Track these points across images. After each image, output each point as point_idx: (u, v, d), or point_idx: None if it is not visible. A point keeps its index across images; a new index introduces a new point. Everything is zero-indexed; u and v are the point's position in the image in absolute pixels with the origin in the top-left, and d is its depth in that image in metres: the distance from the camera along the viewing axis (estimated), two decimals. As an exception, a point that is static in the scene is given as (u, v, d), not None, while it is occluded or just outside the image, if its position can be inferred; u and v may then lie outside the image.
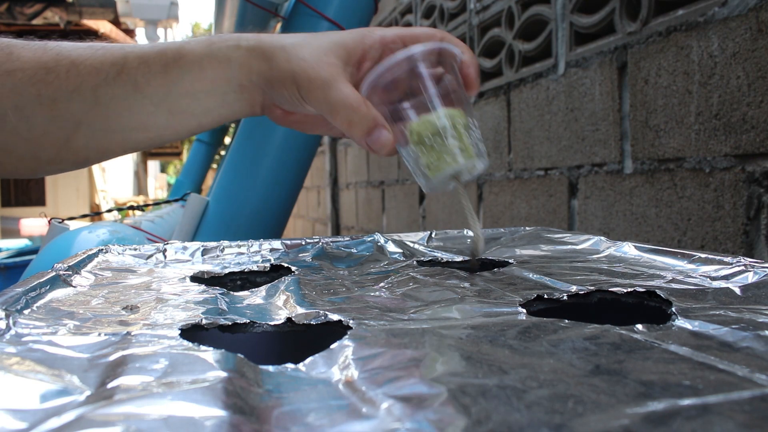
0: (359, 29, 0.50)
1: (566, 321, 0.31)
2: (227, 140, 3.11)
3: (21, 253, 1.98)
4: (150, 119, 0.50)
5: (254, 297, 0.41)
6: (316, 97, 0.47)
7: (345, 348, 0.27)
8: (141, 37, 8.14)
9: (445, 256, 0.56)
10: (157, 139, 0.53)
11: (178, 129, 0.52)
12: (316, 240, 0.64)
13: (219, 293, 0.41)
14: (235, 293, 0.43)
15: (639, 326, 0.29)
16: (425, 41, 0.48)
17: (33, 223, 5.57)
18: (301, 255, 0.59)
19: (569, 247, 0.60)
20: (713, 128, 0.82)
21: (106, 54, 0.48)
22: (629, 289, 0.38)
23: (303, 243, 0.63)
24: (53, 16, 5.77)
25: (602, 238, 0.59)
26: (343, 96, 0.46)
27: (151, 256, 0.59)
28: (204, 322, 0.33)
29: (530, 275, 0.45)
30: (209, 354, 0.26)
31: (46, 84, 0.47)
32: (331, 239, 0.64)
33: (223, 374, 0.23)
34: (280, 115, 0.52)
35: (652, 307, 0.37)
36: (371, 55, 0.48)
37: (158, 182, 16.83)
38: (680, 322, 0.30)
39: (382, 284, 0.44)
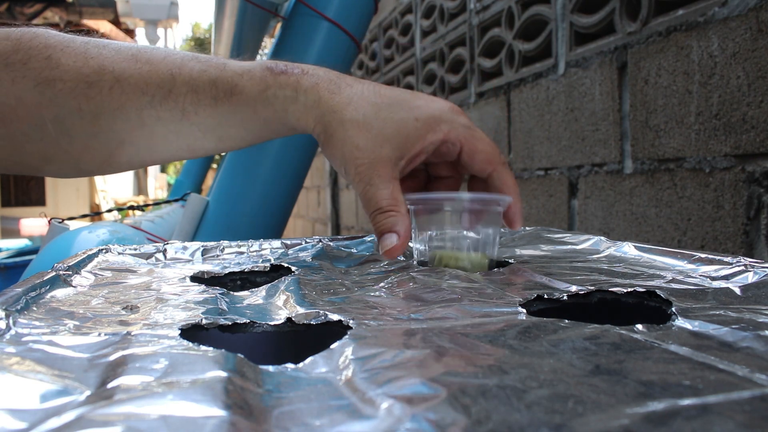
0: (430, 115, 0.47)
1: (566, 321, 0.31)
2: None
3: (21, 253, 1.98)
4: (197, 143, 0.49)
5: (254, 297, 0.41)
6: (356, 185, 0.47)
7: (345, 348, 0.27)
8: (141, 37, 8.14)
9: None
10: (203, 155, 0.52)
11: (225, 149, 0.51)
12: (316, 240, 0.64)
13: (219, 293, 0.41)
14: (235, 293, 0.43)
15: (639, 326, 0.29)
16: (484, 162, 0.48)
17: (33, 223, 5.58)
18: (301, 255, 0.59)
19: (569, 247, 0.60)
20: (713, 128, 0.82)
21: (151, 73, 0.46)
22: (629, 289, 0.38)
23: (303, 243, 0.63)
24: (53, 16, 5.78)
25: (602, 238, 0.59)
26: (377, 195, 0.46)
27: (151, 256, 0.59)
28: (204, 322, 0.33)
29: (530, 275, 0.45)
30: (209, 354, 0.26)
31: (88, 99, 0.45)
32: (331, 239, 0.64)
33: (223, 374, 0.23)
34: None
35: (652, 307, 0.37)
36: (428, 150, 0.48)
37: (158, 182, 16.83)
38: (680, 322, 0.30)
39: (382, 284, 0.44)
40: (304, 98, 0.46)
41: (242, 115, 0.47)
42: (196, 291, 0.42)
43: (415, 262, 0.51)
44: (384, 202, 0.46)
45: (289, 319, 0.34)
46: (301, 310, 0.36)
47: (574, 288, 0.39)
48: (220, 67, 0.47)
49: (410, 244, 0.51)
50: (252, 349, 0.35)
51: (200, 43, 15.55)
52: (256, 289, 0.44)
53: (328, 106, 0.46)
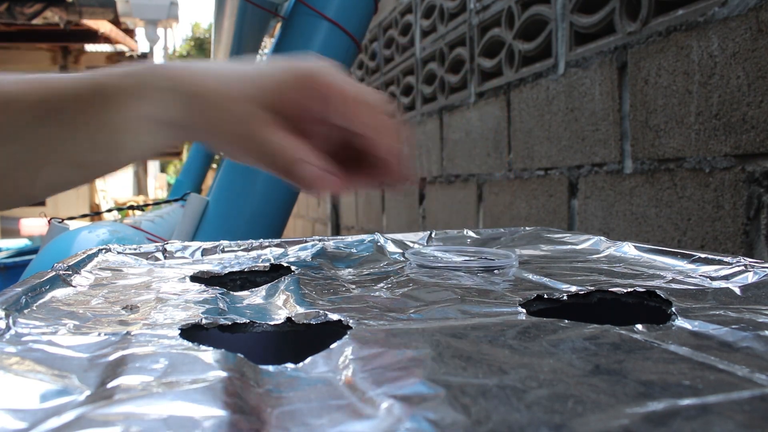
0: (296, 68, 0.45)
1: (566, 321, 0.31)
2: None
3: (21, 253, 1.98)
4: (85, 156, 0.47)
5: (254, 297, 0.41)
6: (248, 150, 0.44)
7: (345, 348, 0.27)
8: (141, 37, 8.15)
9: (444, 256, 0.56)
10: (92, 176, 0.49)
11: (122, 160, 0.48)
12: (316, 240, 0.64)
13: (219, 293, 0.41)
14: (235, 293, 0.43)
15: (639, 326, 0.29)
16: (354, 103, 0.44)
17: (33, 223, 5.57)
18: (301, 255, 0.59)
19: (569, 247, 0.60)
20: (713, 128, 0.82)
21: (30, 89, 0.44)
22: (629, 289, 0.38)
23: (303, 243, 0.63)
24: (53, 16, 5.77)
25: (602, 238, 0.59)
26: (276, 148, 0.43)
27: (151, 255, 0.59)
28: (204, 321, 0.33)
29: (530, 275, 0.45)
30: (209, 354, 0.26)
31: None
32: (331, 239, 0.64)
33: (223, 374, 0.23)
34: None
35: (652, 307, 0.37)
36: (293, 100, 0.45)
37: (158, 182, 16.83)
38: (680, 322, 0.30)
39: (382, 284, 0.44)
40: (171, 84, 0.44)
41: (113, 113, 0.45)
42: (196, 291, 0.42)
43: None
44: (288, 152, 0.43)
45: (288, 319, 0.34)
46: (300, 310, 0.36)
47: (574, 288, 0.39)
48: (90, 75, 0.46)
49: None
50: (252, 349, 0.35)
51: (200, 43, 15.55)
52: (256, 288, 0.44)
53: (180, 82, 0.44)
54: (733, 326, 0.29)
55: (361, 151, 0.45)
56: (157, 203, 1.65)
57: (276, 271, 0.53)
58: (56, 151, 0.46)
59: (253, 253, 0.60)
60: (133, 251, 0.59)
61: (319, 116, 0.45)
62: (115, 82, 0.45)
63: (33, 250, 1.91)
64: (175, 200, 1.45)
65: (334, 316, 0.34)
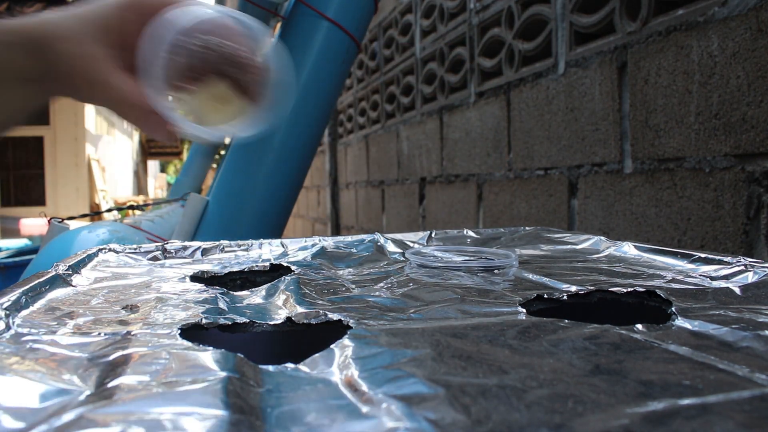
0: (114, 3, 0.45)
1: (566, 321, 0.31)
2: (227, 140, 3.10)
3: (21, 252, 1.98)
4: None
5: (254, 297, 0.41)
6: (88, 95, 0.45)
7: (345, 348, 0.27)
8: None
9: (444, 256, 0.56)
10: None
11: None
12: (316, 240, 0.64)
13: (219, 293, 0.41)
14: (235, 293, 0.43)
15: (639, 326, 0.29)
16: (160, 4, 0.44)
17: (33, 223, 5.57)
18: (301, 255, 0.59)
19: (569, 247, 0.60)
20: (713, 128, 0.82)
21: None
22: (629, 289, 0.38)
23: (303, 243, 0.63)
24: (53, 15, 5.76)
25: (602, 238, 0.59)
26: (115, 91, 0.44)
27: (150, 255, 0.59)
28: (204, 321, 0.33)
29: (530, 275, 0.45)
30: (209, 354, 0.26)
31: None
32: (331, 239, 0.64)
33: (223, 374, 0.23)
34: None
35: (652, 307, 0.37)
36: (131, 29, 0.45)
37: (158, 182, 16.83)
38: (680, 322, 0.30)
39: (382, 284, 0.44)
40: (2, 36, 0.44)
41: None
42: (196, 291, 0.42)
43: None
44: (126, 94, 0.44)
45: (289, 319, 0.34)
46: (301, 310, 0.36)
47: (574, 288, 0.39)
48: None
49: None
50: (252, 348, 0.35)
51: (200, 43, 15.50)
52: (256, 288, 0.44)
53: (27, 31, 0.44)
54: (733, 326, 0.29)
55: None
56: (157, 203, 1.65)
57: (276, 271, 0.53)
58: None
59: (253, 253, 0.60)
60: (133, 251, 0.59)
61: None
62: None
63: (33, 250, 1.91)
64: (175, 200, 1.45)
65: (334, 316, 0.34)
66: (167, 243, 0.61)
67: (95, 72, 0.44)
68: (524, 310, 0.34)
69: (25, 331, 0.31)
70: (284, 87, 0.44)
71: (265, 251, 0.61)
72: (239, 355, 0.26)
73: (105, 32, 0.45)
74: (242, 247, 0.62)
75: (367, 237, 0.64)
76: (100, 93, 0.44)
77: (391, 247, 0.61)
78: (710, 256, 0.45)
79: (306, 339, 0.35)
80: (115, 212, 1.74)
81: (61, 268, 0.46)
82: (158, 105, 0.42)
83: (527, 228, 0.70)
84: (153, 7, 0.45)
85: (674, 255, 0.49)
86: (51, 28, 0.44)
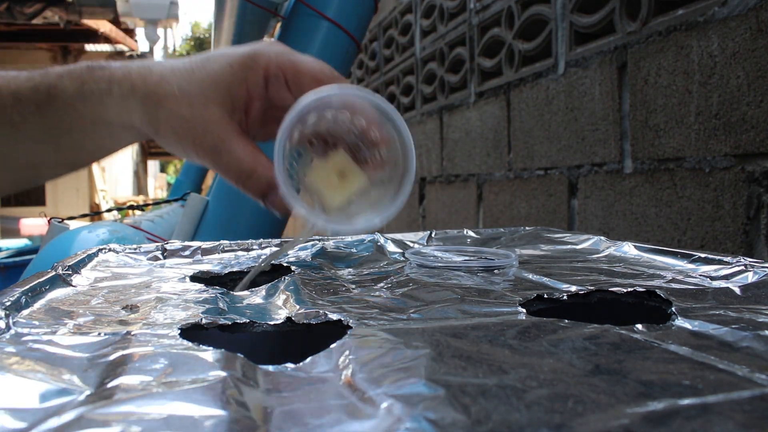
0: (243, 55, 0.44)
1: (566, 321, 0.31)
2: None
3: (21, 252, 1.98)
4: (36, 157, 0.47)
5: (254, 297, 0.41)
6: (206, 161, 0.44)
7: (345, 348, 0.27)
8: (141, 37, 8.14)
9: (444, 256, 0.56)
10: (52, 174, 0.49)
11: (72, 163, 0.48)
12: (316, 240, 0.64)
13: (219, 293, 0.41)
14: (235, 293, 0.43)
15: (639, 326, 0.29)
16: (314, 82, 0.43)
17: (33, 223, 5.57)
18: (301, 255, 0.59)
19: (569, 247, 0.60)
20: (713, 128, 0.82)
21: None
22: (629, 289, 0.38)
23: (303, 243, 0.63)
24: (53, 15, 5.77)
25: (602, 237, 0.59)
26: (234, 160, 0.42)
27: (150, 255, 0.59)
28: (204, 321, 0.33)
29: (530, 275, 0.45)
30: (209, 354, 0.26)
31: None
32: (331, 239, 0.64)
33: (223, 374, 0.23)
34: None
35: (652, 307, 0.37)
36: (257, 92, 0.44)
37: (158, 182, 16.83)
38: (680, 322, 0.30)
39: (382, 284, 0.44)
40: (118, 88, 0.43)
41: (67, 117, 0.44)
42: (196, 291, 0.42)
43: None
44: (246, 165, 0.42)
45: (289, 319, 0.34)
46: (301, 310, 0.36)
47: (574, 288, 0.39)
48: (43, 73, 0.45)
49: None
50: (252, 349, 0.35)
51: (200, 43, 15.55)
52: (256, 288, 0.44)
53: (143, 92, 0.43)
54: (733, 326, 0.29)
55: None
56: (157, 203, 1.65)
57: (276, 271, 0.53)
58: (10, 153, 0.46)
59: (253, 253, 0.60)
60: (133, 251, 0.59)
61: (272, 97, 0.45)
62: (69, 88, 0.44)
63: (33, 250, 1.91)
64: (175, 200, 1.45)
65: (334, 316, 0.34)
66: (167, 243, 0.61)
67: (214, 137, 0.42)
68: (524, 310, 0.34)
69: (25, 331, 0.31)
70: (411, 172, 0.42)
71: (265, 251, 0.61)
72: (239, 355, 0.26)
73: (220, 93, 0.43)
74: (242, 247, 0.62)
75: (367, 237, 0.64)
76: (220, 158, 0.43)
77: (391, 247, 0.62)
78: (710, 256, 0.46)
79: (306, 339, 0.35)
80: (115, 212, 1.74)
81: (61, 268, 0.46)
82: (282, 184, 0.40)
83: (527, 228, 0.70)
84: (266, 67, 0.44)
85: (674, 255, 0.49)
86: (168, 90, 0.43)
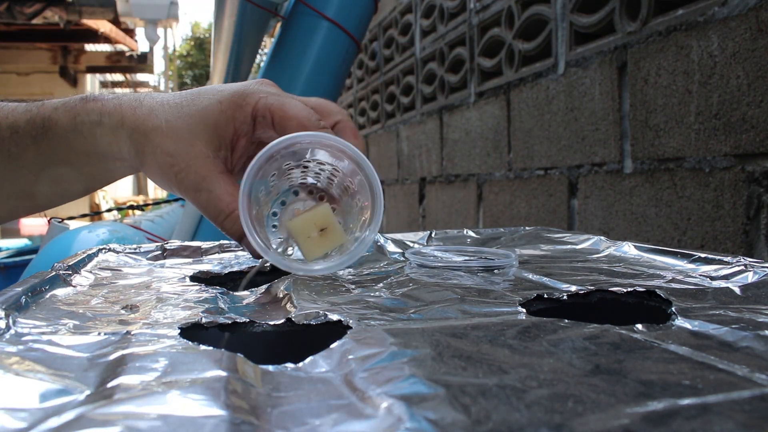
0: (233, 93, 0.44)
1: (566, 321, 0.31)
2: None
3: (21, 252, 1.98)
4: (33, 187, 0.47)
5: (254, 296, 0.41)
6: (187, 197, 0.44)
7: (345, 348, 0.27)
8: (141, 37, 8.15)
9: (444, 256, 0.56)
10: (48, 203, 0.50)
11: (68, 193, 0.49)
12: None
13: (219, 293, 0.41)
14: (235, 293, 0.43)
15: (639, 326, 0.29)
16: (298, 127, 0.43)
17: (33, 223, 5.57)
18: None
19: (569, 246, 0.60)
20: (713, 128, 0.82)
21: None
22: (629, 289, 0.38)
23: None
24: (53, 15, 5.77)
25: (602, 237, 0.59)
26: (213, 199, 0.43)
27: (150, 255, 0.59)
28: (204, 321, 0.33)
29: (530, 275, 0.45)
30: (209, 353, 0.26)
31: None
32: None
33: (223, 374, 0.23)
34: None
35: (652, 307, 0.37)
36: (244, 131, 0.45)
37: (158, 182, 16.77)
38: (680, 322, 0.30)
39: (382, 284, 0.44)
40: (108, 120, 0.44)
41: (61, 149, 0.45)
42: (196, 290, 0.42)
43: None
44: (224, 205, 0.42)
45: (288, 319, 0.34)
46: (301, 310, 0.36)
47: (574, 288, 0.39)
48: (39, 105, 0.46)
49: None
50: (252, 348, 0.35)
51: (200, 43, 15.55)
52: (256, 288, 0.44)
53: (132, 124, 0.44)
54: (733, 326, 0.29)
55: None
56: (157, 203, 1.65)
57: (276, 271, 0.53)
58: (6, 183, 0.47)
59: (253, 253, 0.60)
60: (133, 251, 0.59)
61: (259, 137, 0.46)
62: (63, 120, 0.45)
63: (33, 250, 1.91)
64: (175, 200, 1.45)
65: (334, 316, 0.34)
66: (167, 243, 0.61)
67: (196, 174, 0.43)
68: (524, 310, 0.34)
69: (25, 331, 0.31)
70: (378, 220, 0.42)
71: (265, 251, 0.61)
72: (239, 355, 0.25)
73: (207, 130, 0.43)
74: (242, 247, 0.61)
75: (367, 237, 0.64)
76: (200, 196, 0.43)
77: (391, 247, 0.62)
78: (710, 256, 0.46)
79: (306, 339, 0.35)
80: (115, 212, 1.74)
81: (61, 268, 0.46)
82: (243, 223, 0.40)
83: (527, 228, 0.70)
84: (255, 106, 0.44)
85: (674, 255, 0.49)
86: (156, 123, 0.43)
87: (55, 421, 0.19)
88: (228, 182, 0.43)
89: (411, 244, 0.63)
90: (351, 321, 0.32)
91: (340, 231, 0.43)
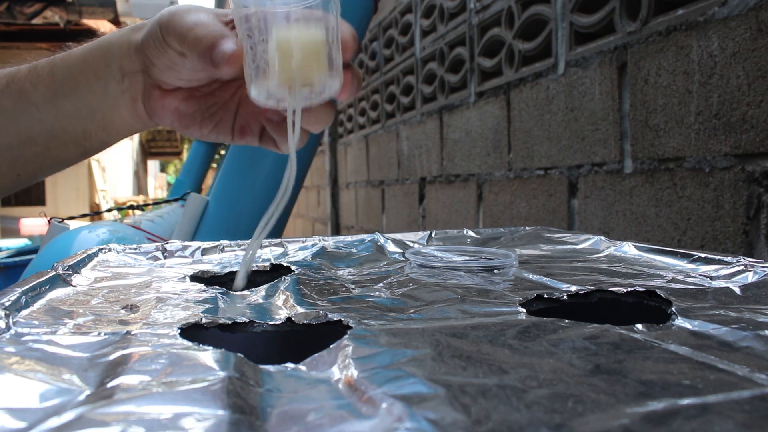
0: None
1: (566, 321, 0.31)
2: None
3: (21, 252, 1.98)
4: (35, 127, 0.50)
5: (254, 296, 0.41)
6: (174, 28, 0.45)
7: (345, 348, 0.27)
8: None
9: (444, 256, 0.56)
10: (44, 152, 0.52)
11: (64, 138, 0.51)
12: (316, 240, 0.64)
13: (219, 292, 0.41)
14: (235, 293, 0.43)
15: (639, 326, 0.29)
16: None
17: (33, 223, 5.57)
18: (301, 255, 0.59)
19: (569, 246, 0.60)
20: (713, 128, 0.82)
21: (3, 71, 0.50)
22: (629, 289, 0.38)
23: (303, 243, 0.63)
24: (53, 15, 5.77)
25: (602, 237, 0.59)
26: (195, 17, 0.45)
27: (150, 255, 0.59)
28: (204, 321, 0.33)
29: (530, 275, 0.45)
30: (209, 353, 0.26)
31: None
32: (331, 239, 0.64)
33: (223, 374, 0.23)
34: (159, 96, 0.50)
35: (652, 307, 0.37)
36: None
37: (158, 182, 16.83)
38: (680, 322, 0.30)
39: (381, 284, 0.44)
40: (127, 27, 0.49)
41: (75, 69, 0.49)
42: (196, 290, 0.42)
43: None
44: (203, 18, 0.45)
45: (289, 319, 0.34)
46: (301, 310, 0.36)
47: (574, 288, 0.39)
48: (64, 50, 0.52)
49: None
50: (252, 348, 0.35)
51: (200, 43, 15.49)
52: (256, 288, 0.44)
53: (151, 21, 0.47)
54: (733, 326, 0.29)
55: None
56: (157, 203, 1.65)
57: (276, 271, 0.53)
58: (13, 127, 0.50)
59: (253, 253, 0.60)
60: (133, 251, 0.59)
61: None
62: (86, 45, 0.50)
63: (33, 250, 1.91)
64: (175, 200, 1.45)
65: (334, 316, 0.34)
66: (167, 243, 0.61)
67: (180, 16, 0.45)
68: (524, 310, 0.34)
69: (25, 331, 0.31)
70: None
71: (265, 251, 0.61)
72: (239, 355, 0.26)
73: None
74: (242, 247, 0.62)
75: (367, 237, 0.64)
76: (179, 19, 0.45)
77: (391, 247, 0.62)
78: (710, 256, 0.46)
79: (306, 339, 0.35)
80: (115, 212, 1.74)
81: (61, 268, 0.46)
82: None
83: (527, 228, 0.70)
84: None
85: (674, 255, 0.49)
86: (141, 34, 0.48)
87: (55, 421, 0.19)
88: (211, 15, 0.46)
89: (411, 244, 0.63)
90: (351, 321, 0.32)
91: (324, 63, 0.44)
